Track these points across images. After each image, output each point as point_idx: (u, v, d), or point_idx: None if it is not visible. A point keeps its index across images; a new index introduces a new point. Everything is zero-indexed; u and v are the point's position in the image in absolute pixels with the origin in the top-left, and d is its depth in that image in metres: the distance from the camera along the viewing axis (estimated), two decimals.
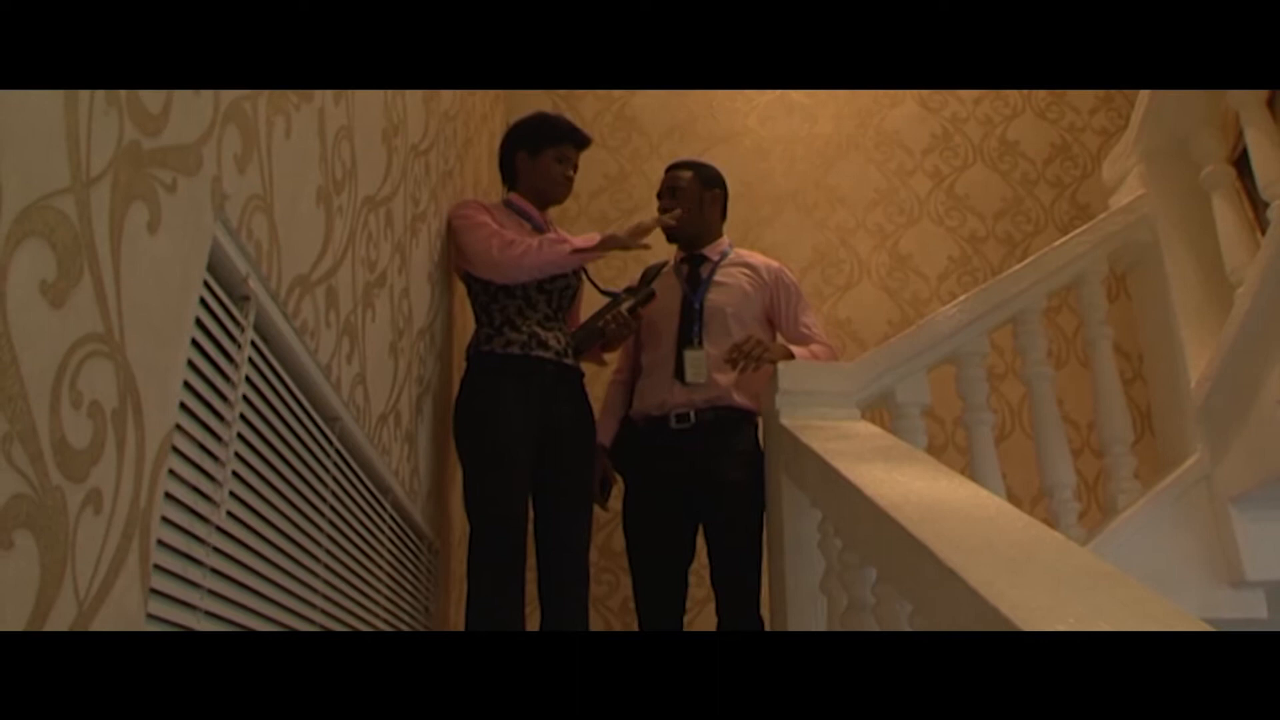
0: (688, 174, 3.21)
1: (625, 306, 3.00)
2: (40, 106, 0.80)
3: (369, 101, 1.89)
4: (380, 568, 2.06)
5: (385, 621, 2.09)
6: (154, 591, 0.99)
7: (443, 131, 2.79)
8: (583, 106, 4.56)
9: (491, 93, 3.91)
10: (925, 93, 4.79)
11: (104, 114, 0.89)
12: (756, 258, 3.21)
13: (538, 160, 2.95)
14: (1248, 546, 2.67)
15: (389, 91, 2.06)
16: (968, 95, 4.82)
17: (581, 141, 3.02)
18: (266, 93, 1.33)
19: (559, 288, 2.87)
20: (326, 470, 1.66)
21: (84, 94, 0.86)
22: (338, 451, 1.73)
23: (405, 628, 2.32)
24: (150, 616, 0.98)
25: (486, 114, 3.79)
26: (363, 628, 1.89)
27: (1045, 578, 1.39)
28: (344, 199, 1.72)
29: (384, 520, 2.10)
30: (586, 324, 3.04)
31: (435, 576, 2.77)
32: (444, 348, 2.82)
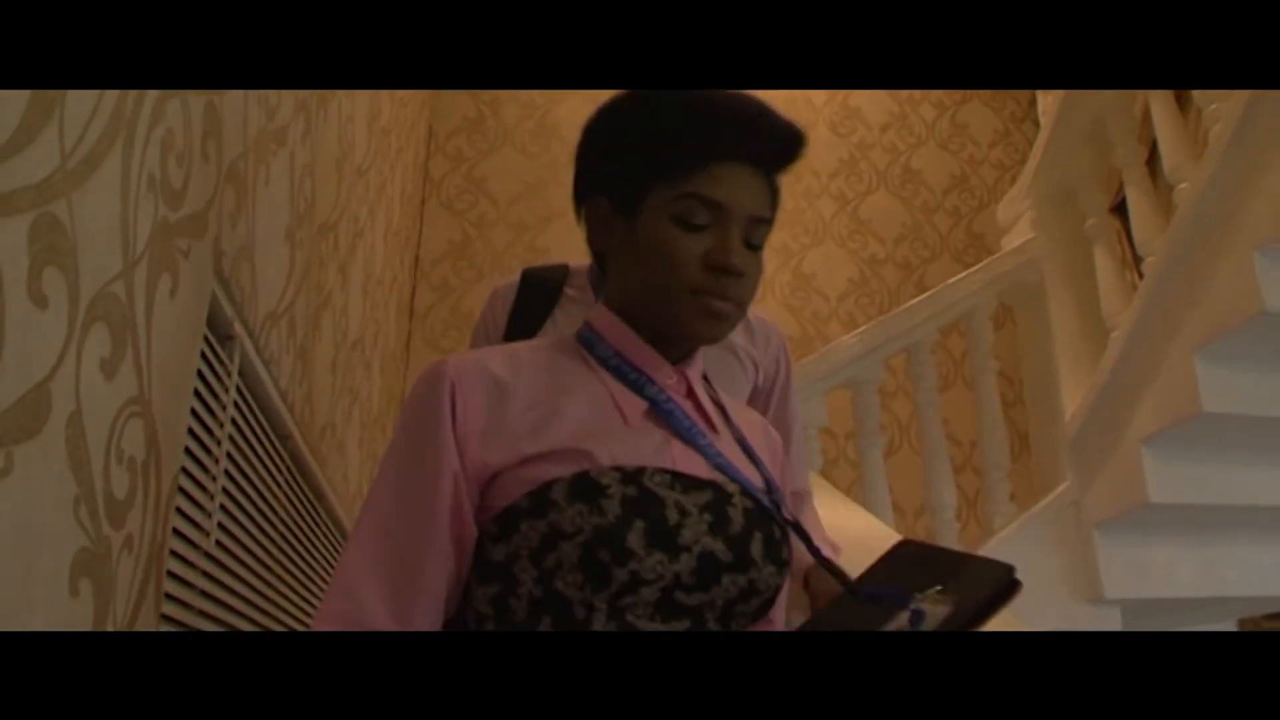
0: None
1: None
2: (104, 200, 0.91)
3: (327, 136, 1.99)
4: (316, 571, 2.17)
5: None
6: (163, 617, 1.11)
7: (380, 148, 2.88)
8: (505, 113, 4.66)
9: (418, 99, 4.00)
10: (835, 118, 5.01)
11: (145, 198, 1.01)
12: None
13: (639, 224, 1.05)
14: (1108, 568, 2.92)
15: (342, 120, 2.16)
16: (875, 122, 5.05)
17: (769, 151, 1.08)
18: (254, 147, 1.44)
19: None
20: (279, 485, 1.78)
21: (133, 179, 0.97)
22: (288, 468, 1.84)
23: None
24: None
25: (414, 120, 3.88)
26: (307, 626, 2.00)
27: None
28: (304, 232, 1.83)
29: (320, 526, 2.21)
30: None
31: None
32: (370, 356, 2.93)
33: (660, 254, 1.02)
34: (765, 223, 1.06)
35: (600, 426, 0.99)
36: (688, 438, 1.02)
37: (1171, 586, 2.90)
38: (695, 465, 1.00)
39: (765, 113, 1.06)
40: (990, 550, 2.98)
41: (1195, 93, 2.55)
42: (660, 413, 1.03)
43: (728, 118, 1.05)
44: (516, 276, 1.61)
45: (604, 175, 1.10)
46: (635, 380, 1.04)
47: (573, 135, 3.67)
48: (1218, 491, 2.70)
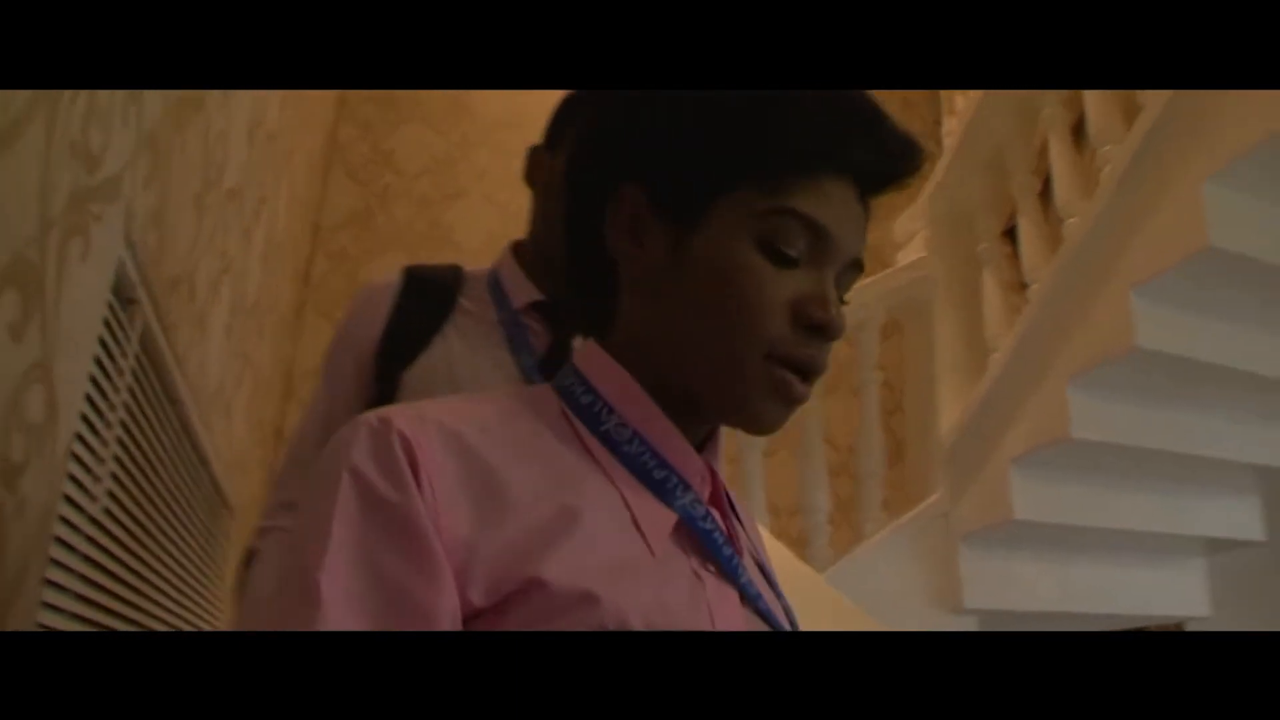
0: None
1: None
2: (25, 165, 0.91)
3: (242, 100, 1.97)
4: (194, 536, 2.15)
5: (195, 582, 2.18)
6: (47, 581, 1.10)
7: (293, 114, 2.85)
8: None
9: None
10: None
11: (67, 164, 1.00)
12: None
13: (697, 237, 0.71)
14: (969, 579, 3.04)
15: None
16: None
17: (884, 165, 0.73)
18: (175, 111, 1.42)
19: None
20: (167, 451, 1.76)
21: (58, 144, 0.97)
22: (177, 434, 1.82)
23: (204, 586, 2.40)
24: (45, 605, 1.10)
25: None
26: (184, 592, 1.98)
27: (801, 611, 1.65)
28: (212, 197, 1.81)
29: (200, 490, 2.19)
30: None
31: (229, 537, 2.85)
32: (264, 321, 2.89)
33: (731, 288, 0.68)
34: (860, 270, 0.76)
35: (620, 556, 0.64)
36: (726, 571, 0.70)
37: (1031, 601, 3.03)
38: (731, 612, 0.69)
39: (885, 115, 0.73)
40: (860, 558, 3.07)
41: (1091, 134, 2.66)
42: (694, 532, 0.70)
43: (849, 111, 0.71)
44: (394, 276, 1.26)
45: (649, 158, 0.73)
46: (662, 482, 0.70)
47: (486, 113, 3.56)
48: (1081, 513, 2.83)
